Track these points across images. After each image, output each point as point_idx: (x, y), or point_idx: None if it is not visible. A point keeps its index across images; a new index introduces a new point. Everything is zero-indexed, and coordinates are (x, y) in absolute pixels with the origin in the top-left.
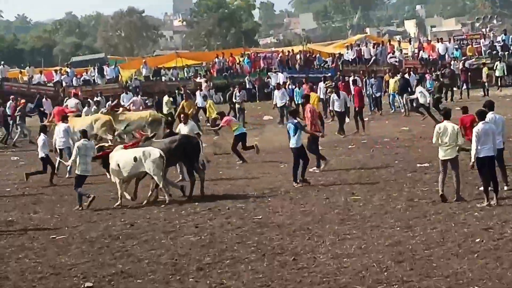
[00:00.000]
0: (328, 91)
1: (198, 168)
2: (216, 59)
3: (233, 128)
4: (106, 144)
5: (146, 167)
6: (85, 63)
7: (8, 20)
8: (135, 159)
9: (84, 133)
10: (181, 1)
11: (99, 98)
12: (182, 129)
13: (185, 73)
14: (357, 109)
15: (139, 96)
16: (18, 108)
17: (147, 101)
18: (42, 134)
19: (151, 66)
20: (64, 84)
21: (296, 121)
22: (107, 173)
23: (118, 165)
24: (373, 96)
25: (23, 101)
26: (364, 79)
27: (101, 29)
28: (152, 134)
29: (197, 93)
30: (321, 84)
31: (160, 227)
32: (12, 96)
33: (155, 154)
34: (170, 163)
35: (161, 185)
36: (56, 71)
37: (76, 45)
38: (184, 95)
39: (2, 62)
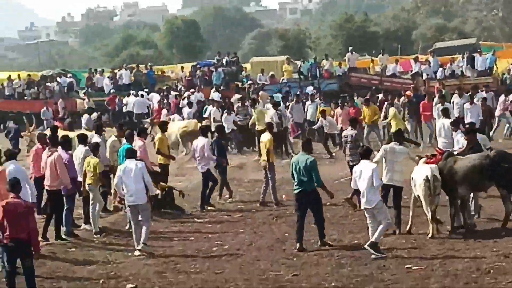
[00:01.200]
0: None
1: None
2: None
3: None
4: (428, 154)
5: (415, 190)
6: (452, 50)
7: None
8: (412, 179)
9: (397, 136)
10: None
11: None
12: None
13: None
14: None
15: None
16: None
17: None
18: None
19: None
20: (425, 76)
21: None
22: None
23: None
24: None
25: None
26: None
27: (472, 8)
28: (458, 149)
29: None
30: None
31: None
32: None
33: (420, 175)
34: (478, 187)
35: (429, 216)
36: (415, 59)
37: (440, 28)
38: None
39: (351, 48)
